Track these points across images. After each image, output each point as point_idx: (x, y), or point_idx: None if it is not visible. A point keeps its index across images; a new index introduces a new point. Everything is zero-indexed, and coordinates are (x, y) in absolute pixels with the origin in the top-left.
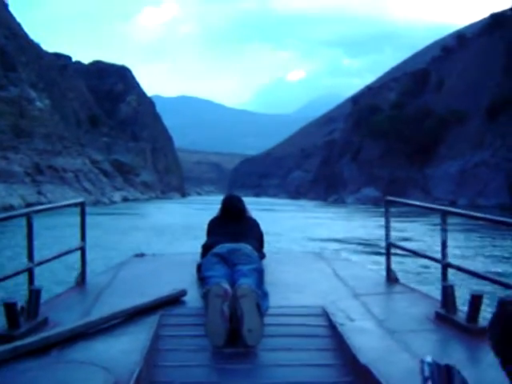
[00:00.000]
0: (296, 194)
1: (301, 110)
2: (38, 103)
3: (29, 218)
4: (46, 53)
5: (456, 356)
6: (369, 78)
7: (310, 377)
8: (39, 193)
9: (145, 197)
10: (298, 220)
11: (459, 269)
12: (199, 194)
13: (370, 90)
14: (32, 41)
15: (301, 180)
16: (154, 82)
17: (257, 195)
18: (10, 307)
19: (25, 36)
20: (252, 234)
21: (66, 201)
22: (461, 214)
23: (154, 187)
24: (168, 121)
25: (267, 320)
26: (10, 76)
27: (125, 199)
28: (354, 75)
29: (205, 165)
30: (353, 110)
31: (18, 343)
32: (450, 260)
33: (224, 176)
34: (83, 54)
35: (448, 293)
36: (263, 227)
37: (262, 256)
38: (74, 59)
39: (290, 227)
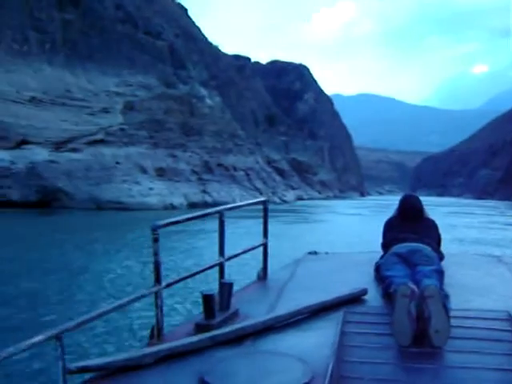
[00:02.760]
0: (482, 193)
1: (486, 104)
2: (208, 100)
3: (221, 215)
4: (225, 55)
5: None
6: None
7: (496, 381)
8: (204, 191)
9: (321, 196)
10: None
11: None
12: (380, 193)
13: None
14: (210, 43)
15: (488, 179)
16: (334, 81)
17: (440, 195)
18: (208, 299)
19: (204, 39)
20: (430, 234)
21: (231, 199)
22: None
23: (331, 186)
24: (348, 119)
25: (451, 322)
26: (179, 74)
27: (299, 198)
28: None
29: (386, 163)
30: None
31: (217, 332)
32: None
33: (406, 175)
34: (262, 55)
35: None
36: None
37: (441, 257)
38: (252, 60)
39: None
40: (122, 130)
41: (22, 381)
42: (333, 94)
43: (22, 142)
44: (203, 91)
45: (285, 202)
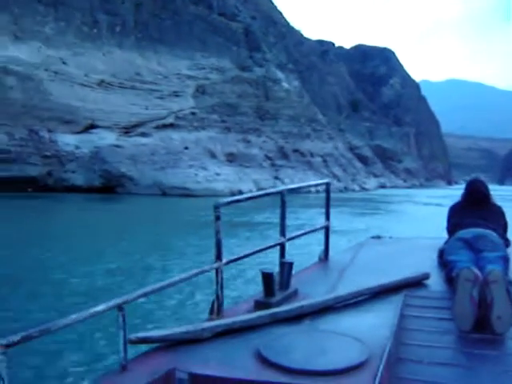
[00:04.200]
0: None
1: None
2: (285, 84)
3: (282, 195)
4: (308, 39)
5: None
6: None
7: None
8: (276, 178)
9: (406, 184)
10: None
11: None
12: None
13: None
14: (292, 28)
15: None
16: (421, 66)
17: None
18: (268, 277)
19: (285, 23)
20: (496, 220)
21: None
22: None
23: (417, 174)
24: (436, 105)
25: None
26: (255, 57)
27: (382, 186)
28: None
29: (475, 151)
30: None
31: (276, 310)
32: None
33: (495, 163)
34: (346, 40)
35: None
36: None
37: (507, 244)
38: (336, 45)
39: None
40: (193, 113)
41: (83, 349)
42: (421, 81)
43: (91, 126)
44: (280, 74)
45: (365, 189)
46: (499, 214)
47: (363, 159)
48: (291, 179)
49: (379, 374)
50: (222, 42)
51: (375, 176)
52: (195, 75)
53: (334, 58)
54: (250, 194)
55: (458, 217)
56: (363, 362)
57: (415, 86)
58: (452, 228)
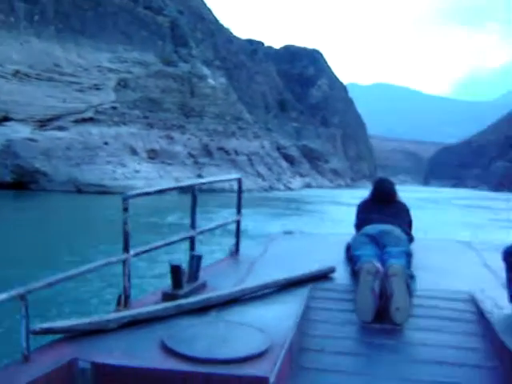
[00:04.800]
0: (499, 186)
1: (504, 96)
2: (211, 81)
3: (193, 190)
4: (237, 38)
5: None
6: None
7: (454, 358)
8: (199, 176)
9: (332, 184)
10: None
11: None
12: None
13: None
14: (221, 25)
15: (505, 170)
16: (350, 70)
17: (455, 186)
18: (176, 269)
19: (214, 21)
20: (402, 217)
21: (228, 185)
22: None
23: (343, 175)
24: (363, 108)
25: (415, 301)
26: (180, 52)
27: (307, 186)
28: None
29: (400, 153)
30: None
31: (182, 301)
32: None
33: (420, 165)
34: (275, 40)
35: None
36: None
37: (411, 240)
38: (266, 44)
39: None
40: (114, 108)
41: None
42: (348, 83)
43: (4, 119)
44: (206, 71)
45: (290, 189)
46: (404, 211)
47: (290, 159)
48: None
49: (279, 363)
50: (147, 35)
51: (301, 176)
52: (117, 68)
53: (263, 57)
54: (160, 188)
55: (365, 213)
56: (264, 351)
57: (343, 89)
58: (359, 224)
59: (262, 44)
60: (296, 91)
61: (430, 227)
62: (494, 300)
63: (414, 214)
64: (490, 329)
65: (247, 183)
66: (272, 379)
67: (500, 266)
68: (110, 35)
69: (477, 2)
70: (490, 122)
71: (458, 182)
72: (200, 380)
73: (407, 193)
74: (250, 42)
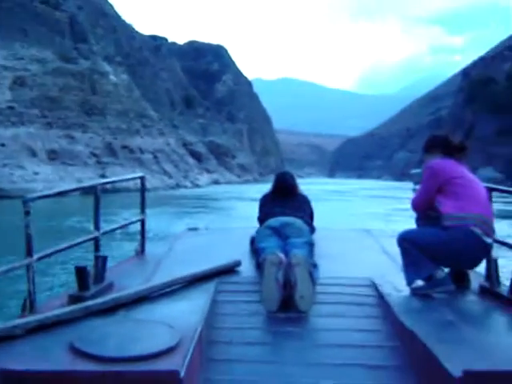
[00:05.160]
0: (401, 175)
1: (404, 89)
2: (113, 77)
3: (96, 190)
4: (140, 34)
5: (499, 325)
6: (472, 55)
7: (358, 341)
8: (102, 176)
9: (240, 180)
10: None
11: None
12: (300, 176)
13: (482, 61)
14: (124, 21)
15: (406, 161)
16: (255, 65)
17: (359, 177)
18: (81, 271)
19: (116, 16)
20: (303, 209)
21: (133, 184)
22: None
23: (250, 170)
24: (269, 103)
25: (318, 289)
26: (80, 48)
27: (215, 182)
28: (457, 52)
29: (306, 146)
30: (464, 84)
31: (90, 303)
32: None
33: (325, 158)
34: (179, 35)
35: (492, 267)
36: None
37: (312, 230)
38: (170, 40)
39: None
40: (11, 108)
41: None
42: (253, 79)
43: None
44: (107, 67)
45: (197, 186)
46: (305, 203)
47: (197, 155)
48: (119, 177)
49: (189, 356)
50: (45, 31)
51: (209, 172)
52: (12, 66)
53: (167, 53)
54: (60, 189)
55: (268, 206)
56: (173, 346)
57: (248, 84)
58: (263, 217)
59: (166, 40)
60: (201, 87)
61: (335, 219)
62: (393, 284)
63: (320, 207)
64: (390, 311)
65: (153, 181)
66: (182, 372)
67: (398, 251)
68: (5, 31)
69: None
70: (391, 115)
71: (362, 173)
72: (111, 379)
73: (313, 185)
74: (154, 37)
